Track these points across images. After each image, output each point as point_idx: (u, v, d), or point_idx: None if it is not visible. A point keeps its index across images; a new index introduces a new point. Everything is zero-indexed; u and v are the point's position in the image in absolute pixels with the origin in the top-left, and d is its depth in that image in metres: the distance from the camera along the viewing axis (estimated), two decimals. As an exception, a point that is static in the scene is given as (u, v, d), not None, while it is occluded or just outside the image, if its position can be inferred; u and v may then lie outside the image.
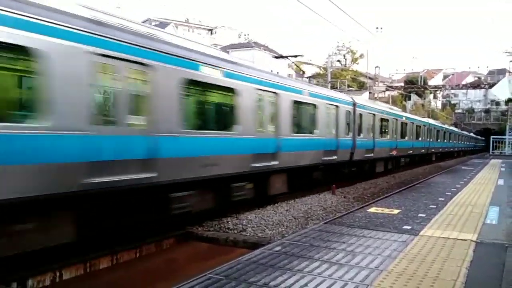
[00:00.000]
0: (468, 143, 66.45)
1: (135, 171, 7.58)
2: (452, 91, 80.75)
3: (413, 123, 29.18)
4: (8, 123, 5.77)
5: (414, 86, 62.53)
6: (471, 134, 73.48)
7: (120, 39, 7.39)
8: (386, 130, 23.54)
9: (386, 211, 9.69)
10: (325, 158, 15.79)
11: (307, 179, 15.25)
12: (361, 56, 64.62)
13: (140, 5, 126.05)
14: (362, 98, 26.17)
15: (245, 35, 68.93)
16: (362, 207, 10.40)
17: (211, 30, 72.09)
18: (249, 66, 11.87)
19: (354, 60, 66.33)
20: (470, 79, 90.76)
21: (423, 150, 32.90)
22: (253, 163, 11.17)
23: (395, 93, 62.34)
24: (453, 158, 50.14)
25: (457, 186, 14.94)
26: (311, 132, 15.04)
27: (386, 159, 24.00)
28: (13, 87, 6.51)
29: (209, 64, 9.72)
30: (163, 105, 8.31)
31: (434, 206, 10.29)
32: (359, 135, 19.27)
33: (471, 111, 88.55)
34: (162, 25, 56.08)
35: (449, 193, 12.78)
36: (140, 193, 8.04)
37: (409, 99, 72.58)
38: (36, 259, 6.87)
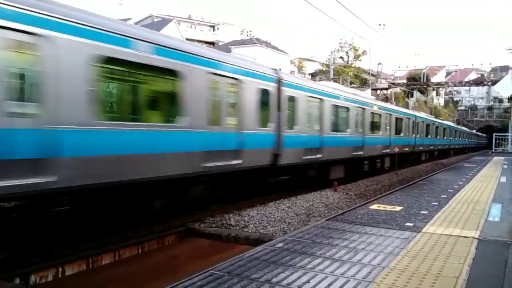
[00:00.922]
0: (469, 140, 65.96)
1: (230, 158, 10.38)
2: (455, 88, 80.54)
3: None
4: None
5: (417, 83, 62.37)
6: (473, 131, 73.20)
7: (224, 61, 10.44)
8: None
9: (388, 208, 9.68)
10: (354, 153, 18.41)
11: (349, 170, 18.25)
12: (364, 53, 64.57)
13: (142, 1, 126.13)
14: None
15: (247, 31, 68.85)
16: (364, 204, 10.39)
17: (213, 26, 71.93)
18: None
19: (357, 57, 66.24)
20: (473, 76, 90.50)
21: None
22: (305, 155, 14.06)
23: (397, 90, 62.20)
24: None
25: (459, 183, 14.91)
26: (344, 131, 17.61)
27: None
28: (174, 101, 9.01)
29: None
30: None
31: (437, 203, 10.27)
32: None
33: (474, 108, 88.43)
34: (164, 21, 56.06)
35: (452, 190, 12.75)
36: (233, 175, 10.98)
37: (412, 96, 72.48)
38: (38, 255, 6.90)
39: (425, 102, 75.62)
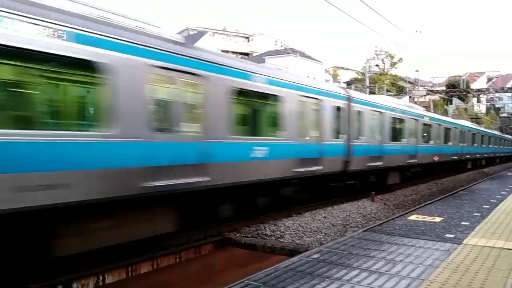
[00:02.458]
0: None
1: (313, 165, 12.26)
2: (497, 94, 77.84)
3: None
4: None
5: (456, 89, 60.68)
6: None
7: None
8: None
9: (428, 218, 9.45)
10: (408, 161, 20.04)
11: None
12: (400, 60, 63.49)
13: (178, 15, 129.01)
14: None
15: (281, 42, 69.03)
16: (403, 214, 10.18)
17: (247, 37, 72.62)
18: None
19: (393, 64, 65.16)
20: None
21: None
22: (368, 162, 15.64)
23: (436, 97, 60.70)
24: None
25: (502, 193, 14.38)
26: (400, 140, 19.23)
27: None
28: (277, 119, 11.02)
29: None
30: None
31: (478, 214, 9.94)
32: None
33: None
34: (200, 34, 57.02)
35: (494, 201, 12.32)
36: (313, 178, 12.71)
37: (451, 103, 70.55)
38: (80, 262, 7.11)
39: (465, 109, 73.43)
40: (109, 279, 7.23)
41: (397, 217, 9.83)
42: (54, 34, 6.08)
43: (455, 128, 29.85)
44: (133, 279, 7.53)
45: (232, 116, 9.45)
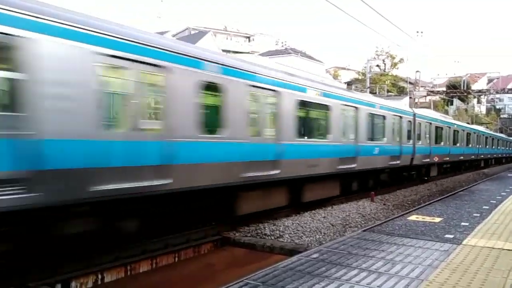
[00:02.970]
0: None
1: (396, 160, 18.17)
2: (497, 95, 77.82)
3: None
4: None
5: (457, 90, 60.65)
6: None
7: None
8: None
9: (427, 219, 9.44)
10: (444, 159, 26.30)
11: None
12: (401, 60, 63.53)
13: (179, 14, 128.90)
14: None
15: (282, 42, 68.98)
16: (402, 214, 10.17)
17: (248, 37, 72.61)
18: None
19: (394, 65, 65.19)
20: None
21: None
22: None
23: (436, 98, 60.69)
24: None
25: (502, 194, 14.37)
26: (440, 143, 25.45)
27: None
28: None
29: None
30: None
31: (478, 215, 9.93)
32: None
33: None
34: (201, 33, 57.02)
35: (494, 201, 12.30)
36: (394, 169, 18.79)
37: (452, 104, 70.53)
38: (78, 261, 7.11)
39: (466, 110, 73.41)
40: (108, 278, 7.22)
41: (397, 217, 9.82)
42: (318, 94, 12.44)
43: (474, 133, 36.00)
44: (132, 278, 7.53)
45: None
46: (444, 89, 66.38)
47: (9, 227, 5.99)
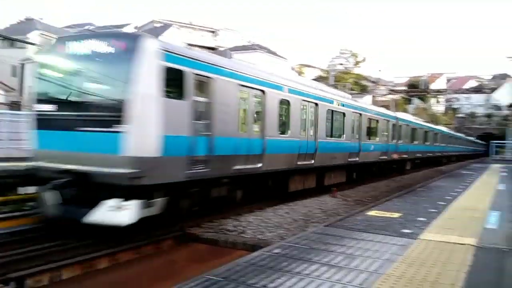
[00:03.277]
0: (465, 147, 65.34)
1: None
2: (454, 95, 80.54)
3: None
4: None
5: (416, 90, 62.42)
6: (470, 138, 72.80)
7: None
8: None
9: (386, 214, 9.66)
10: (427, 155, 36.15)
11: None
12: (364, 59, 64.74)
13: (144, 7, 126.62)
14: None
15: (248, 38, 68.87)
16: (362, 210, 10.37)
17: (213, 32, 71.98)
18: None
19: (357, 64, 66.40)
20: (472, 83, 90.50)
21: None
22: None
23: (397, 96, 62.26)
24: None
25: (457, 190, 14.90)
26: (432, 144, 36.07)
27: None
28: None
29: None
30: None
31: (434, 210, 10.26)
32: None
33: (472, 115, 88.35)
34: (166, 26, 56.15)
35: (449, 197, 12.74)
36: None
37: (410, 102, 72.53)
38: (34, 259, 6.87)
39: (425, 109, 75.63)
40: (65, 275, 7.01)
41: (357, 212, 10.00)
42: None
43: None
44: (90, 276, 7.34)
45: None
46: (405, 88, 68.19)
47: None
